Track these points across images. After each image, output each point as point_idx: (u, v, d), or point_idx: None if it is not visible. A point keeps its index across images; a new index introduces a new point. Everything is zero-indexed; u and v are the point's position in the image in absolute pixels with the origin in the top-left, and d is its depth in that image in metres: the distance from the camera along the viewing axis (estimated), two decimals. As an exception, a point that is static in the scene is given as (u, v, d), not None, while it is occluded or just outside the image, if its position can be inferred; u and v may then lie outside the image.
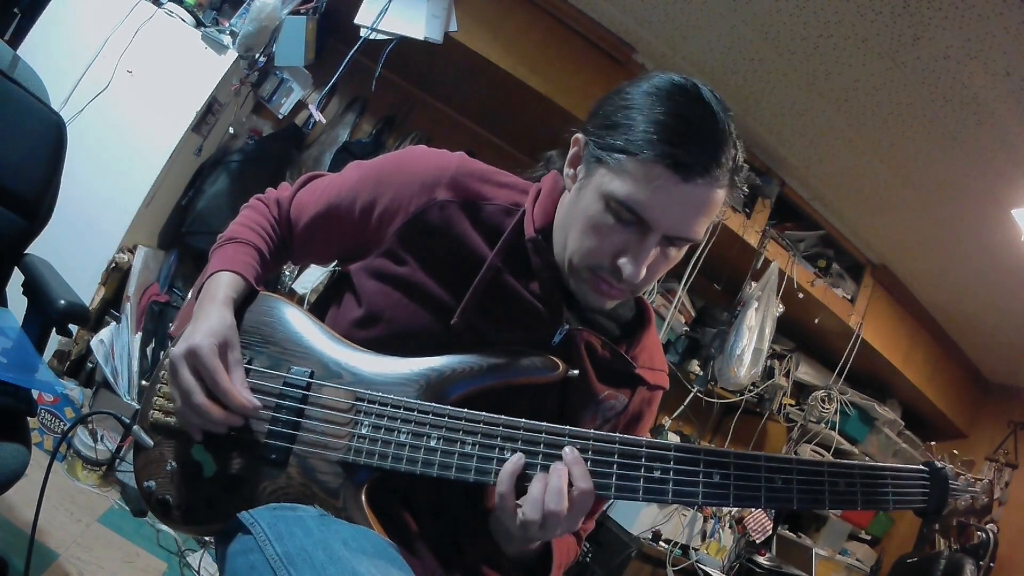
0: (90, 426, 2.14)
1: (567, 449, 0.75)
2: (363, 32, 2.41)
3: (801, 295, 3.00)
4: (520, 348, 0.84)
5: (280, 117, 2.72)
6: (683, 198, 0.75)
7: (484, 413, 0.78)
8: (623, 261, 0.77)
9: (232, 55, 2.38)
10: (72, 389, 2.18)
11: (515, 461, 0.75)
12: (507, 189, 0.90)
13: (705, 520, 2.89)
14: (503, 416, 0.78)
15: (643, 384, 0.94)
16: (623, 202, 0.75)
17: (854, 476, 0.77)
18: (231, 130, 2.71)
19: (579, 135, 0.84)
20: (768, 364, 3.13)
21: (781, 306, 2.96)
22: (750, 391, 3.10)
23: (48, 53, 2.17)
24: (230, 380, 0.78)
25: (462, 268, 0.84)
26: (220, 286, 0.85)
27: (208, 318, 0.80)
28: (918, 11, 1.86)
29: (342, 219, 0.91)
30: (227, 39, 2.38)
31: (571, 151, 0.85)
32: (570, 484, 0.73)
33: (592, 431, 0.78)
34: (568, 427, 0.77)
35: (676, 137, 0.73)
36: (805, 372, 3.35)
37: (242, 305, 0.87)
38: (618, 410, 0.92)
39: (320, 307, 0.98)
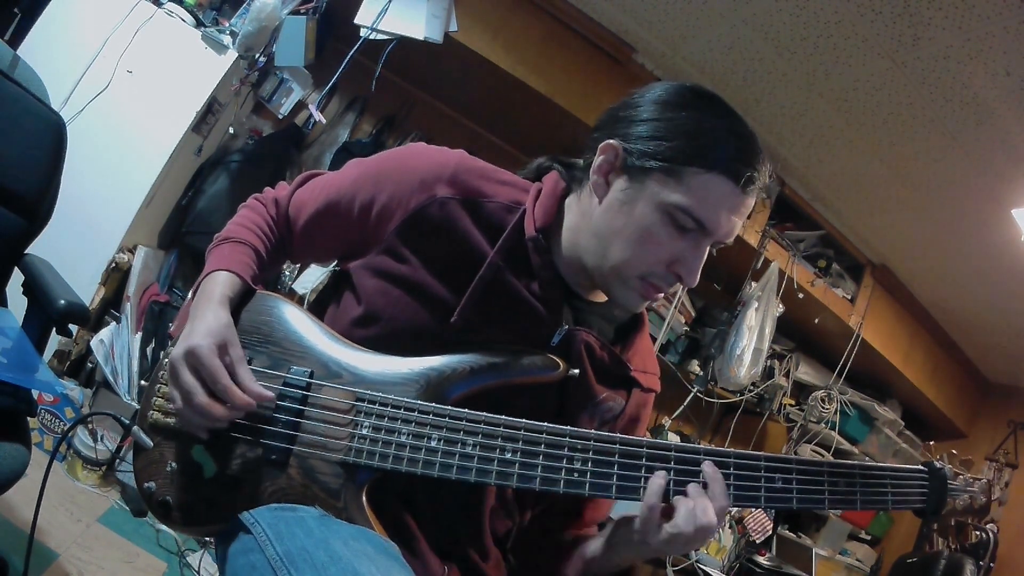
0: (90, 426, 2.14)
1: (706, 464, 0.76)
2: (363, 32, 2.41)
3: (801, 295, 2.99)
4: (520, 348, 0.84)
5: (280, 117, 2.72)
6: (740, 207, 0.82)
7: (484, 413, 0.78)
8: (682, 269, 0.82)
9: (232, 55, 2.38)
10: (72, 389, 2.18)
11: (663, 475, 0.76)
12: (507, 187, 0.90)
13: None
14: (503, 416, 0.78)
15: (638, 386, 0.95)
16: (690, 212, 0.79)
17: (854, 476, 0.77)
18: (231, 130, 2.70)
19: (613, 143, 0.84)
20: (768, 364, 3.13)
21: (781, 306, 2.96)
22: (750, 391, 3.10)
23: (48, 53, 2.17)
24: (230, 379, 0.78)
25: (462, 265, 0.84)
26: (216, 285, 0.85)
27: (204, 318, 0.80)
28: (918, 11, 1.86)
29: (341, 217, 0.91)
30: (227, 39, 2.38)
31: (600, 158, 0.85)
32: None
33: (592, 432, 0.78)
34: (569, 427, 0.77)
35: (736, 151, 0.79)
36: (805, 372, 3.35)
37: (240, 304, 0.87)
38: (616, 412, 0.92)
39: (319, 306, 0.98)
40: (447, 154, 0.90)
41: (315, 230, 0.95)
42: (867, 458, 3.48)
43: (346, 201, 0.90)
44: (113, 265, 2.28)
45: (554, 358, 0.83)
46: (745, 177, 0.79)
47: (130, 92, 2.27)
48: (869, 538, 3.81)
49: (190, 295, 0.90)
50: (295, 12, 2.44)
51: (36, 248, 1.40)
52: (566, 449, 0.77)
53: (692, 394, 2.95)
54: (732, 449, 0.78)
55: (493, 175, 0.90)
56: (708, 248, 0.83)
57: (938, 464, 0.82)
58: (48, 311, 1.18)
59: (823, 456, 3.29)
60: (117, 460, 2.16)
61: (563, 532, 0.97)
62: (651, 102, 0.83)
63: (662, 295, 0.87)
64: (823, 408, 3.28)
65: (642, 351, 0.97)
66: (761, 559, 3.10)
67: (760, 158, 0.81)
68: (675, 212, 0.79)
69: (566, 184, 0.93)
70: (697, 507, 0.74)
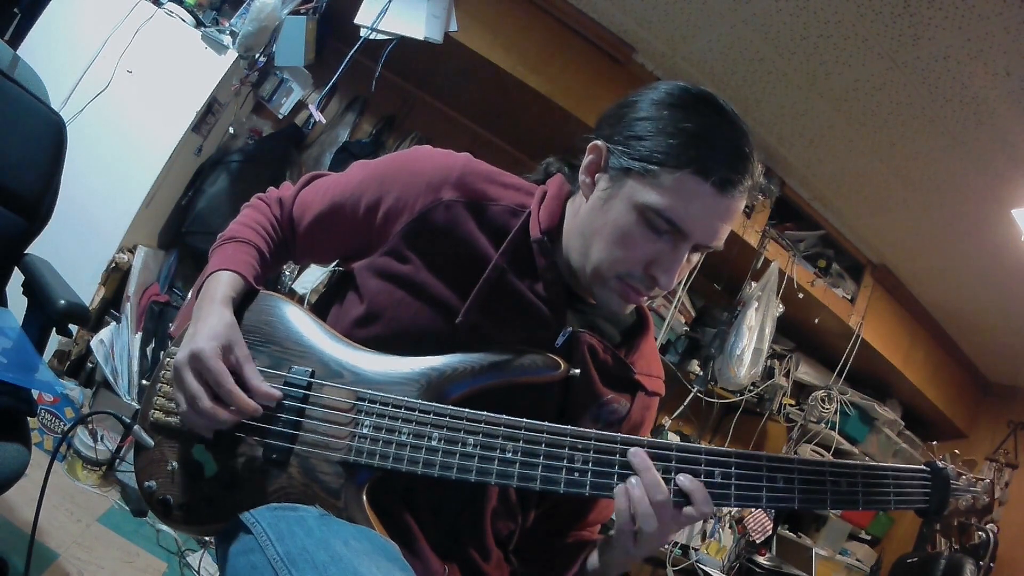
0: (90, 426, 2.14)
1: (680, 477, 0.75)
2: (363, 32, 2.40)
3: (801, 295, 3.00)
4: (522, 348, 0.83)
5: (280, 117, 2.72)
6: (718, 210, 0.78)
7: (485, 413, 0.78)
8: (657, 271, 0.80)
9: (232, 55, 2.38)
10: (72, 389, 2.17)
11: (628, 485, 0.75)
12: (512, 190, 0.90)
13: (705, 520, 2.89)
14: (504, 416, 0.78)
15: (642, 390, 0.94)
16: (661, 213, 0.77)
17: (856, 476, 0.77)
18: (231, 130, 2.70)
19: (598, 143, 0.84)
20: (768, 364, 3.13)
21: (781, 306, 2.96)
22: (750, 391, 3.10)
23: (48, 53, 2.17)
24: (234, 382, 0.78)
25: (467, 268, 0.85)
26: (219, 285, 0.85)
27: (208, 320, 0.80)
28: (918, 11, 1.86)
29: (346, 218, 0.91)
30: (227, 39, 2.38)
31: (587, 158, 0.85)
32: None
33: (593, 431, 0.78)
34: (569, 427, 0.77)
35: (714, 151, 0.76)
36: (805, 372, 3.35)
37: (242, 304, 0.87)
38: (620, 415, 0.92)
39: (322, 306, 0.98)
40: (453, 157, 0.90)
41: (319, 231, 0.95)
42: (867, 458, 3.48)
43: (351, 203, 0.90)
44: (113, 265, 2.28)
45: (555, 358, 0.83)
46: (719, 177, 0.76)
47: (130, 92, 2.27)
48: (869, 538, 3.81)
49: (191, 294, 0.90)
50: (295, 12, 2.44)
51: (36, 248, 1.40)
52: (567, 448, 0.77)
53: (692, 394, 2.95)
54: (734, 449, 0.78)
55: (498, 178, 0.90)
56: (688, 252, 0.81)
57: (941, 464, 0.82)
58: (48, 311, 1.18)
59: (823, 456, 3.29)
60: (117, 460, 2.16)
61: (567, 534, 0.97)
62: (639, 102, 0.82)
63: (643, 298, 0.85)
64: (823, 408, 3.28)
65: (647, 354, 0.97)
66: (761, 559, 3.10)
67: (743, 160, 0.78)
68: (648, 212, 0.78)
69: (571, 187, 0.93)
70: (647, 484, 0.73)
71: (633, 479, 0.74)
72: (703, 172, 0.76)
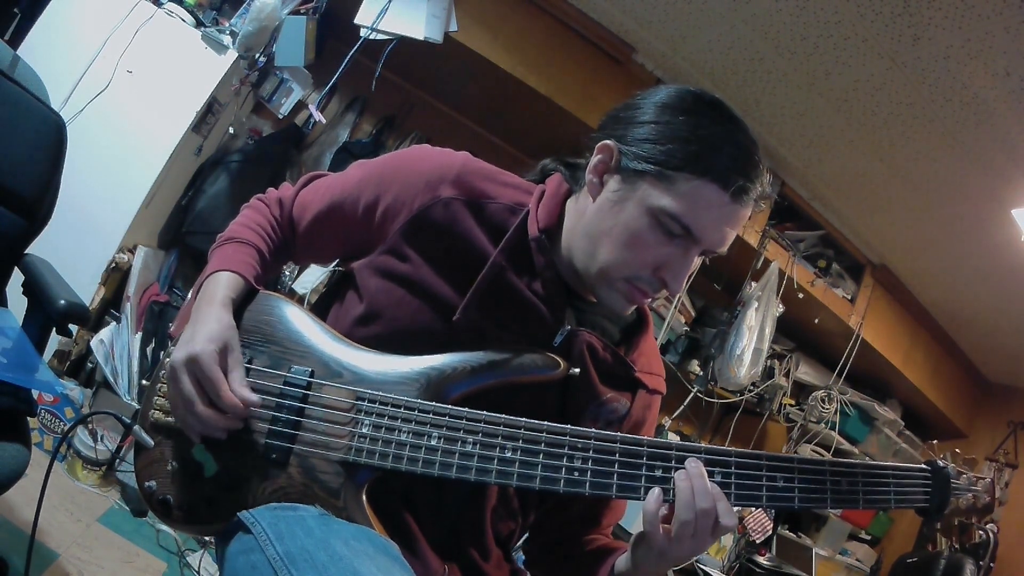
0: (90, 426, 2.14)
1: (690, 461, 0.75)
2: (363, 32, 2.41)
3: (801, 295, 3.00)
4: (521, 347, 0.83)
5: (280, 117, 2.72)
6: (731, 218, 0.80)
7: (485, 412, 0.78)
8: (667, 275, 0.81)
9: (232, 55, 2.38)
10: (72, 389, 2.17)
11: (657, 492, 0.75)
12: (511, 188, 0.90)
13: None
14: (504, 415, 0.78)
15: (643, 388, 0.94)
16: (678, 218, 0.78)
17: (856, 475, 0.77)
18: (231, 130, 2.71)
19: (609, 143, 0.83)
20: (768, 364, 3.13)
21: (781, 306, 2.96)
22: (750, 391, 3.10)
23: (48, 53, 2.17)
24: (230, 388, 0.78)
25: (465, 265, 0.84)
26: (219, 286, 0.85)
27: (207, 322, 0.80)
28: (918, 11, 1.86)
29: (345, 217, 0.91)
30: (227, 39, 2.38)
31: (596, 157, 0.85)
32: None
33: (593, 430, 0.78)
34: (569, 426, 0.77)
35: (731, 160, 0.78)
36: (805, 372, 3.35)
37: (242, 304, 0.87)
38: (620, 413, 0.92)
39: (323, 305, 0.98)
40: (451, 155, 0.90)
41: (319, 231, 0.95)
42: (867, 458, 3.48)
43: (350, 202, 0.90)
44: (113, 265, 2.28)
45: (554, 357, 0.82)
46: (737, 186, 0.77)
47: (130, 92, 2.27)
48: (869, 538, 3.82)
49: (191, 295, 0.90)
50: (295, 12, 2.44)
51: (36, 248, 1.40)
52: (567, 448, 0.76)
53: (692, 394, 2.95)
54: (734, 448, 0.78)
55: (497, 177, 0.90)
56: (697, 256, 0.82)
57: (941, 463, 0.81)
58: (48, 311, 1.18)
59: (824, 456, 3.29)
60: (117, 460, 2.16)
61: (583, 539, 0.97)
62: (652, 105, 0.83)
63: (648, 300, 0.86)
64: (823, 408, 3.28)
65: (647, 352, 0.97)
66: (761, 559, 3.10)
67: (757, 169, 0.79)
68: (663, 217, 0.78)
69: (569, 186, 0.93)
70: (696, 492, 0.73)
71: (682, 473, 0.74)
72: (722, 181, 0.77)
